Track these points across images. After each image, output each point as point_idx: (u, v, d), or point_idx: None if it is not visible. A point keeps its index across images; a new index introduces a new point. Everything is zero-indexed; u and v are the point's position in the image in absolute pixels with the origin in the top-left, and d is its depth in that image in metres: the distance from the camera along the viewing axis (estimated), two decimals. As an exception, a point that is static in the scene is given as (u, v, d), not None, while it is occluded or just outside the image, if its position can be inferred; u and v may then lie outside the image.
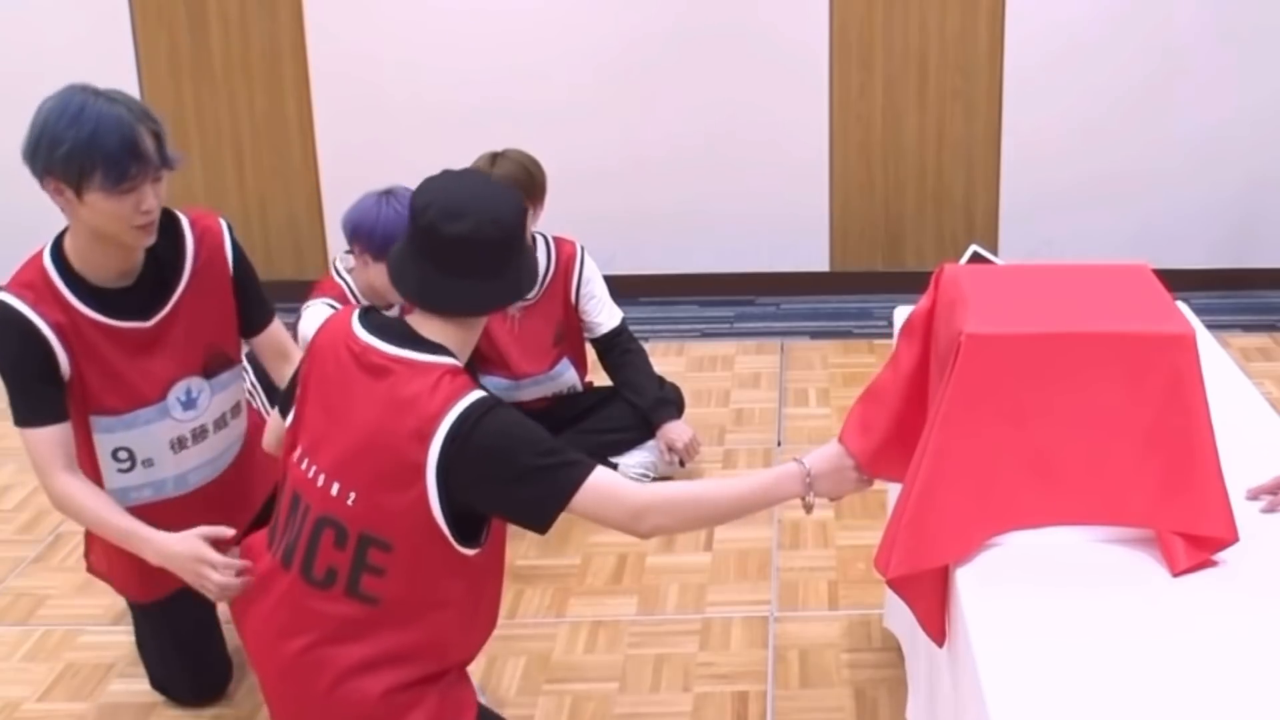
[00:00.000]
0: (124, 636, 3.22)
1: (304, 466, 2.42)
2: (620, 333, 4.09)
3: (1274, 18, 5.29)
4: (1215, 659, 1.90)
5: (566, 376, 4.03)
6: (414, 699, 2.38)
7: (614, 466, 4.00)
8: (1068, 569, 2.14)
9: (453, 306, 2.38)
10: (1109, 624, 1.99)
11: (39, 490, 4.04)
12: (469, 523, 2.35)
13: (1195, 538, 2.14)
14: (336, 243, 5.61)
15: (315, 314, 3.41)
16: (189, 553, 2.46)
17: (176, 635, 2.96)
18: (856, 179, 5.54)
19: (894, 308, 3.06)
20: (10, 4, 5.42)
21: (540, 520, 2.38)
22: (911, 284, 2.54)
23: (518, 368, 3.93)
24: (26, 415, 2.64)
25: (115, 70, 5.42)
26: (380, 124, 5.50)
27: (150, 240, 2.63)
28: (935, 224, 5.59)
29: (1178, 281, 2.83)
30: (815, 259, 5.62)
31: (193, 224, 2.76)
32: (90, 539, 2.92)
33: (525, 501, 2.34)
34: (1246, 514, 2.24)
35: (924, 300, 2.46)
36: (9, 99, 5.50)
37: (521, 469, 2.29)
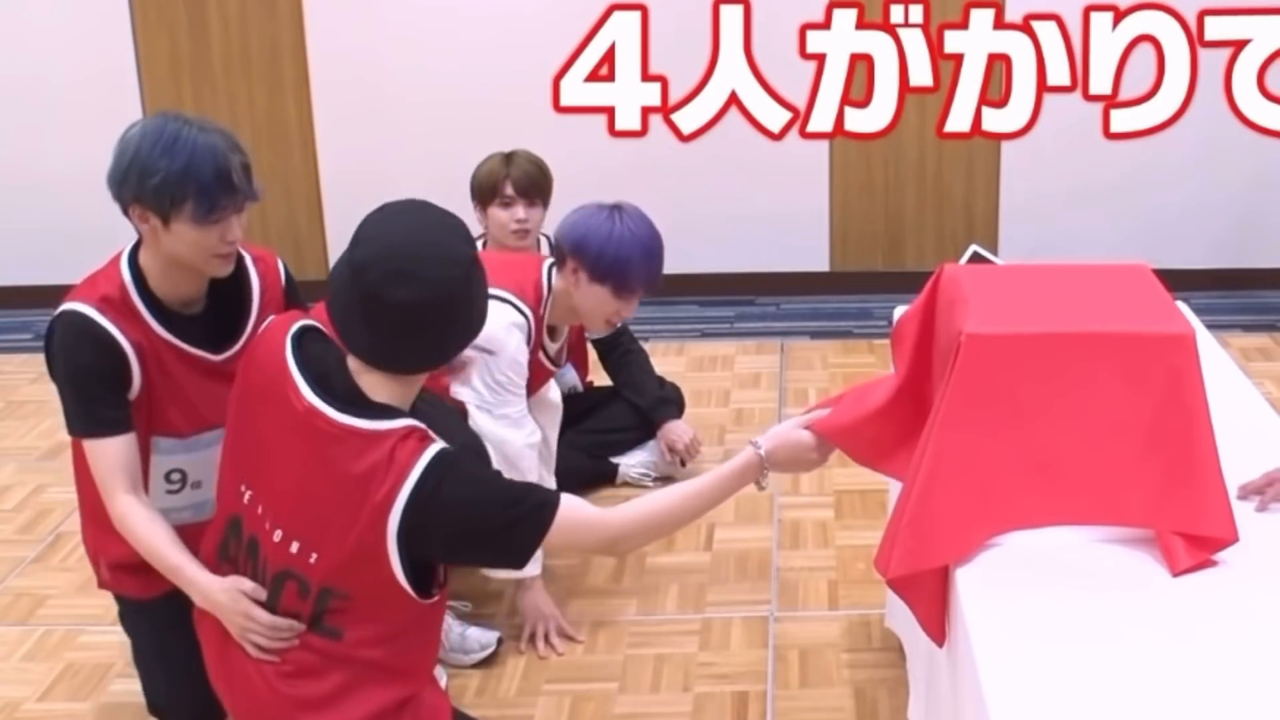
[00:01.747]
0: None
1: (259, 512, 2.38)
2: (622, 333, 4.06)
3: (1274, 17, 5.29)
4: (1215, 659, 1.90)
5: (568, 377, 4.01)
6: None
7: (615, 467, 4.01)
8: (1068, 569, 2.14)
9: (407, 366, 2.31)
10: (1109, 624, 1.99)
11: (39, 490, 4.06)
12: (428, 573, 2.35)
13: (1195, 538, 2.14)
14: (337, 243, 5.61)
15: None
16: (234, 606, 2.40)
17: (183, 634, 2.88)
18: (856, 179, 5.54)
19: (894, 308, 3.06)
20: (10, 4, 5.42)
21: (515, 565, 2.41)
22: (911, 284, 2.54)
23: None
24: (90, 425, 2.59)
25: (115, 70, 5.44)
26: (380, 124, 5.50)
27: (228, 270, 2.64)
28: (935, 224, 5.59)
29: (1178, 281, 2.83)
30: (815, 259, 5.62)
31: (255, 260, 2.76)
32: (94, 554, 2.88)
33: (498, 552, 2.40)
34: (1246, 514, 2.24)
35: (914, 304, 2.47)
36: (9, 99, 5.54)
37: (491, 525, 2.28)
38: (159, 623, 2.81)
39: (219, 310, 2.70)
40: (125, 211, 2.56)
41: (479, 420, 3.14)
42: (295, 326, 2.38)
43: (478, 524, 2.28)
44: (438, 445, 2.26)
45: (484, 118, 5.35)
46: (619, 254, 3.12)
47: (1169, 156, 5.42)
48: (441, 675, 3.06)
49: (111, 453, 2.58)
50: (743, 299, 5.58)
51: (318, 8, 5.41)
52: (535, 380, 3.34)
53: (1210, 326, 3.05)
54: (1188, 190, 5.45)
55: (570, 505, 2.33)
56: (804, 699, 3.03)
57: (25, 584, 3.59)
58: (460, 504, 2.24)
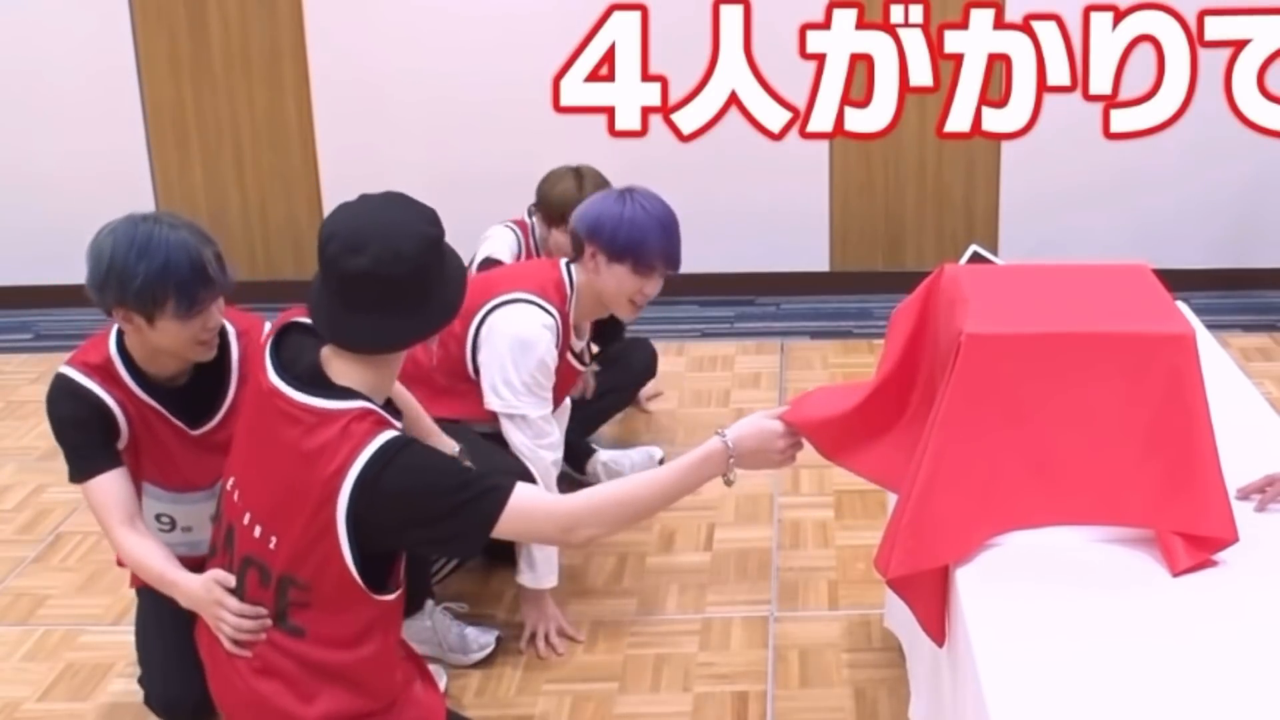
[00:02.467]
0: (124, 636, 3.21)
1: (235, 500, 2.43)
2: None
3: (1274, 17, 5.29)
4: (1215, 659, 1.91)
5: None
6: None
7: (593, 451, 3.99)
8: (1068, 569, 2.14)
9: (358, 343, 2.33)
10: (1109, 624, 1.99)
11: (39, 490, 4.06)
12: (380, 568, 2.35)
13: (1195, 538, 2.14)
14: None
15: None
16: (207, 596, 2.46)
17: (183, 619, 2.88)
18: (856, 179, 5.54)
19: (894, 308, 3.06)
20: (10, 4, 5.41)
21: (467, 552, 2.42)
22: (911, 284, 2.54)
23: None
24: (84, 468, 2.68)
25: (115, 70, 5.43)
26: (380, 124, 5.49)
27: (211, 354, 2.70)
28: (935, 224, 5.59)
29: (1178, 281, 2.83)
30: (815, 259, 5.62)
31: (240, 334, 2.80)
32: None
33: (449, 538, 2.36)
34: (1246, 514, 2.25)
35: (908, 302, 2.47)
36: (9, 99, 5.54)
37: (438, 508, 2.27)
38: (160, 606, 2.82)
39: (200, 384, 2.77)
40: (109, 313, 2.62)
41: (511, 435, 3.17)
42: (287, 321, 2.43)
43: (424, 507, 2.27)
44: (391, 431, 2.28)
45: (484, 118, 5.36)
46: (634, 230, 3.15)
47: (1169, 156, 5.42)
48: (441, 676, 3.06)
49: (104, 489, 2.66)
50: (743, 299, 5.58)
51: (318, 8, 5.40)
52: (564, 383, 3.36)
53: (1210, 326, 3.05)
54: (1187, 190, 5.45)
55: (524, 492, 2.31)
56: (804, 699, 3.03)
57: (25, 584, 3.59)
58: (407, 485, 2.24)
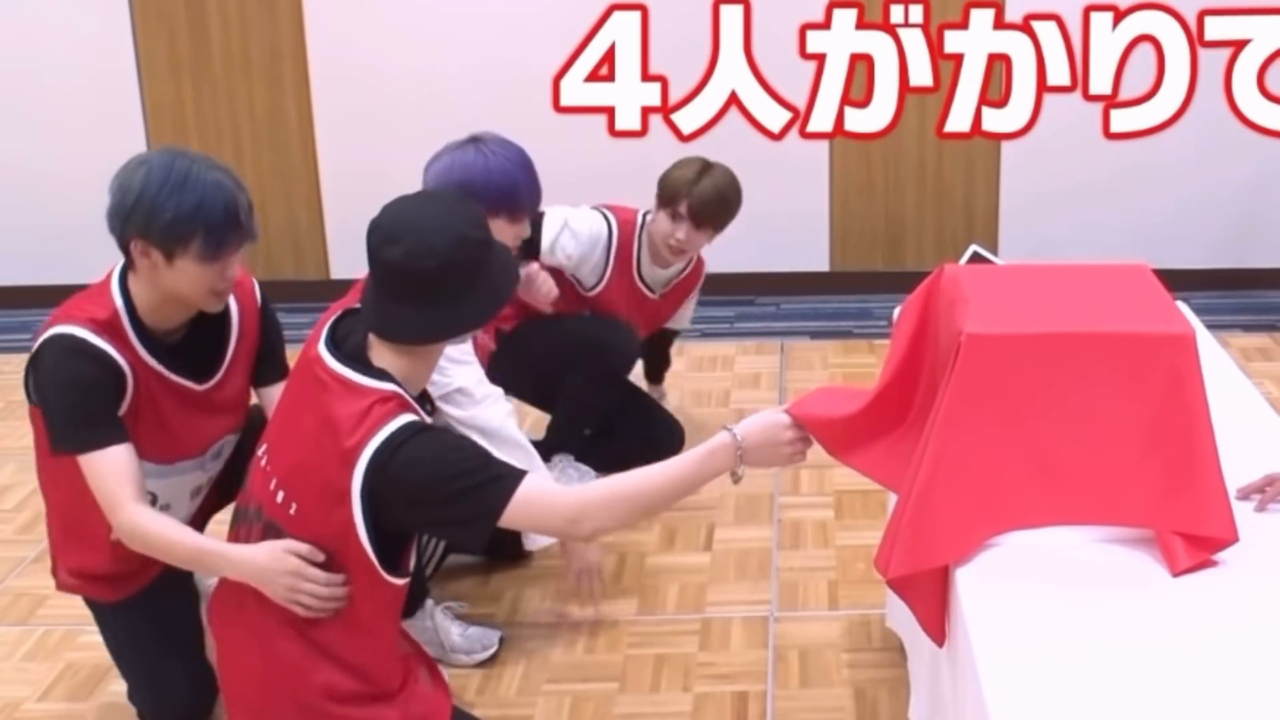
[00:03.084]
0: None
1: (265, 465, 2.45)
2: (676, 331, 4.40)
3: (1274, 17, 5.29)
4: (1215, 659, 1.91)
5: None
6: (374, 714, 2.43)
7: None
8: (1068, 569, 2.14)
9: (391, 332, 2.37)
10: (1109, 624, 1.99)
11: (39, 490, 4.05)
12: (395, 547, 2.38)
13: (1195, 538, 2.14)
14: (337, 243, 5.62)
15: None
16: (278, 566, 2.38)
17: (162, 629, 2.85)
18: (856, 179, 5.54)
19: (894, 308, 3.06)
20: (10, 4, 5.42)
21: (474, 539, 2.43)
22: (911, 284, 2.54)
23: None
24: (89, 438, 2.54)
25: (115, 70, 5.43)
26: (380, 124, 5.49)
27: (221, 306, 2.66)
28: (935, 224, 5.59)
29: (1178, 281, 2.83)
30: (815, 259, 5.62)
31: (235, 286, 2.75)
32: (54, 555, 2.86)
33: (456, 523, 2.37)
34: (1246, 514, 2.24)
35: (910, 302, 2.46)
36: (9, 99, 5.54)
37: (447, 492, 2.29)
38: (134, 621, 2.82)
39: (200, 339, 2.72)
40: (123, 245, 2.56)
41: (454, 414, 3.15)
42: (351, 305, 2.50)
43: (432, 490, 2.29)
44: (410, 415, 2.32)
45: (484, 117, 5.29)
46: (504, 180, 3.14)
47: (1169, 156, 5.42)
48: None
49: (115, 462, 2.54)
50: (743, 299, 5.58)
51: (318, 8, 5.40)
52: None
53: (1210, 326, 3.05)
54: (1187, 190, 5.45)
55: (532, 483, 2.33)
56: (804, 699, 3.03)
57: (25, 584, 3.59)
58: (418, 469, 2.27)
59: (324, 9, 5.41)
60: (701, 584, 3.50)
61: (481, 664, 3.17)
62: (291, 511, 2.38)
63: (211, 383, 2.71)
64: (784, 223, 5.56)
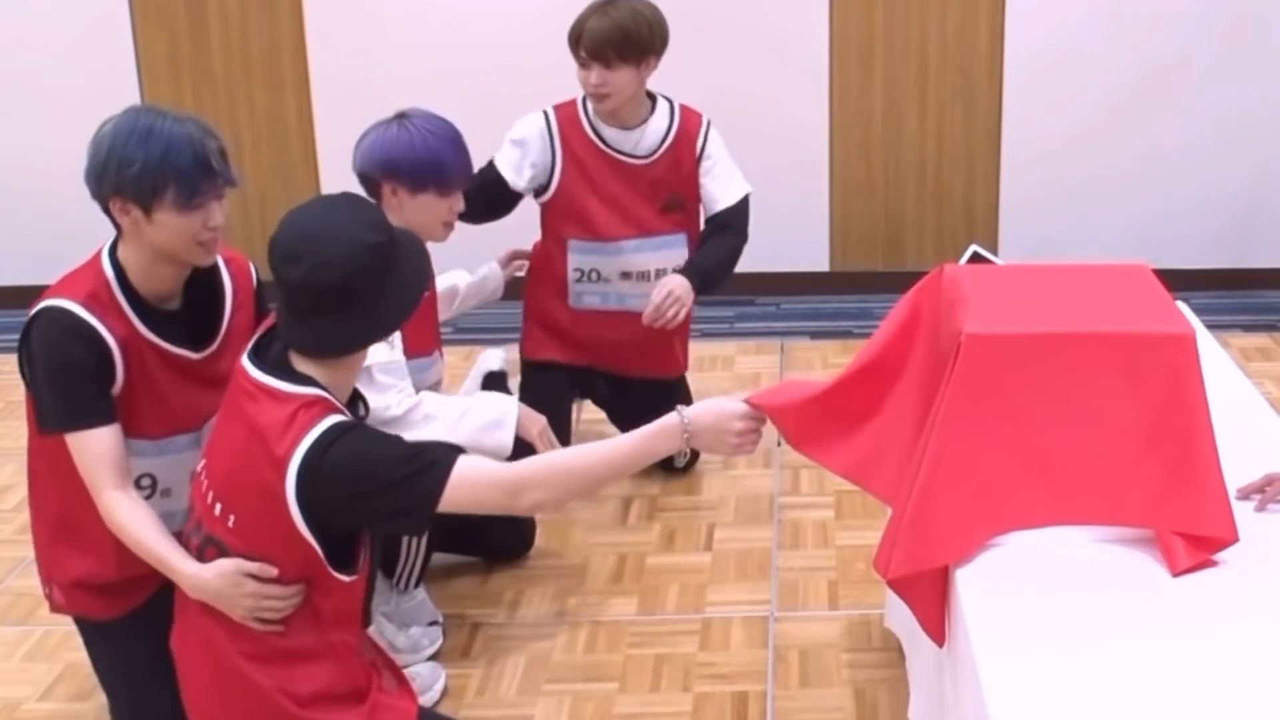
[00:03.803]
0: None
1: (201, 479, 2.45)
2: (734, 214, 3.92)
3: (1274, 15, 5.29)
4: (1215, 659, 1.91)
5: (675, 251, 3.86)
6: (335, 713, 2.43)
7: None
8: (1068, 569, 2.14)
9: (305, 347, 2.37)
10: (1109, 624, 1.99)
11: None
12: (344, 547, 2.38)
13: (1195, 538, 2.14)
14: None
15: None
16: (236, 591, 2.38)
17: (149, 651, 2.76)
18: (856, 179, 5.54)
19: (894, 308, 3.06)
20: (10, 4, 5.42)
21: (416, 527, 2.46)
22: (911, 284, 2.54)
23: (604, 230, 3.79)
24: (76, 417, 2.55)
25: (115, 69, 5.43)
26: (380, 123, 5.49)
27: (212, 258, 2.65)
28: (935, 224, 5.59)
29: (1178, 281, 2.83)
30: (815, 259, 5.62)
31: (228, 261, 2.77)
32: (47, 571, 2.86)
33: (394, 514, 2.37)
34: (1246, 514, 2.25)
35: (902, 302, 2.46)
36: (8, 98, 5.54)
37: (382, 484, 2.29)
38: (124, 641, 2.79)
39: (195, 307, 2.70)
40: (105, 207, 2.56)
41: (378, 400, 3.02)
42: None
43: (369, 482, 2.29)
44: (338, 415, 2.32)
45: (484, 117, 5.33)
46: (430, 155, 3.12)
47: (1169, 156, 5.43)
48: (440, 676, 3.06)
49: (100, 444, 2.54)
50: (743, 299, 5.58)
51: (318, 7, 5.40)
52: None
53: (1210, 326, 3.05)
54: (1188, 190, 5.45)
55: (467, 463, 2.34)
56: (804, 699, 3.03)
57: (25, 584, 3.58)
58: (351, 463, 2.27)
59: (324, 8, 5.41)
60: (701, 584, 3.50)
61: (481, 664, 3.17)
62: (230, 524, 2.38)
63: (209, 351, 2.69)
64: (784, 223, 5.56)
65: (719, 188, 3.89)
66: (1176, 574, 2.11)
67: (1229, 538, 2.14)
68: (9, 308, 5.60)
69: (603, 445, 2.41)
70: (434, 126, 3.16)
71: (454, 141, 3.20)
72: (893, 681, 3.04)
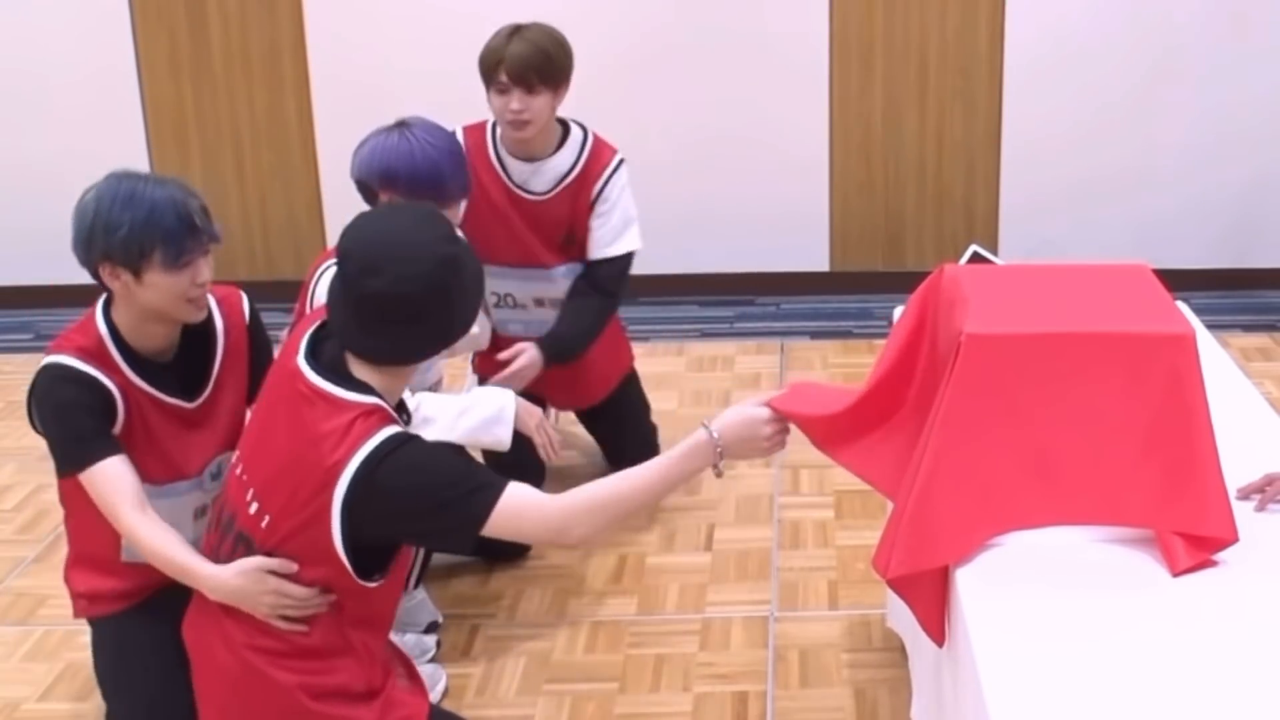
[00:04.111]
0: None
1: (240, 475, 2.45)
2: (610, 271, 3.74)
3: (1274, 15, 5.29)
4: (1215, 659, 1.91)
5: (563, 284, 3.74)
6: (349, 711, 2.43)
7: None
8: (1068, 569, 2.14)
9: (375, 355, 2.37)
10: (1109, 624, 1.99)
11: (39, 490, 4.06)
12: (373, 556, 2.38)
13: (1195, 538, 2.14)
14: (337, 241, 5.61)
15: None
16: (258, 588, 2.40)
17: (158, 644, 2.80)
18: (856, 179, 5.54)
19: (894, 308, 3.06)
20: (10, 4, 5.41)
21: (458, 548, 2.43)
22: (911, 284, 2.54)
23: (506, 257, 3.65)
24: (84, 454, 2.60)
25: (115, 69, 5.43)
26: (380, 123, 5.48)
27: (202, 314, 2.70)
28: (935, 224, 5.59)
29: (1178, 281, 2.82)
30: (815, 259, 5.62)
31: (220, 301, 2.80)
32: (70, 587, 2.88)
33: (440, 533, 2.42)
34: (1246, 514, 2.24)
35: (909, 304, 2.46)
36: (9, 98, 5.53)
37: (432, 503, 2.30)
38: (131, 633, 2.81)
39: (188, 357, 2.75)
40: (94, 274, 2.61)
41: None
42: (318, 321, 2.48)
43: (416, 501, 2.30)
44: (395, 427, 2.32)
45: (484, 117, 5.34)
46: (430, 168, 3.06)
47: (1169, 156, 5.43)
48: (440, 677, 3.06)
49: (111, 473, 2.59)
50: (743, 299, 5.58)
51: (318, 7, 5.40)
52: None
53: (1210, 326, 3.05)
54: (1187, 190, 5.45)
55: (515, 492, 2.33)
56: (804, 699, 3.03)
57: (25, 584, 3.59)
58: (402, 480, 2.28)
59: (324, 8, 5.40)
60: (701, 584, 3.50)
61: (481, 664, 3.17)
62: (264, 524, 2.38)
63: (201, 399, 2.74)
64: (784, 223, 5.57)
65: (606, 235, 3.73)
66: (1176, 574, 2.11)
67: (1229, 538, 2.14)
68: (9, 308, 5.61)
69: (639, 472, 2.39)
70: (434, 138, 3.13)
71: (453, 153, 3.16)
72: (893, 681, 3.04)
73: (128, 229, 2.52)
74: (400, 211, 2.51)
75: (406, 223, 2.40)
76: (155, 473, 2.69)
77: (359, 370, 2.37)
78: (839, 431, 2.41)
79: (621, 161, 3.74)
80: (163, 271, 2.56)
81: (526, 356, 3.57)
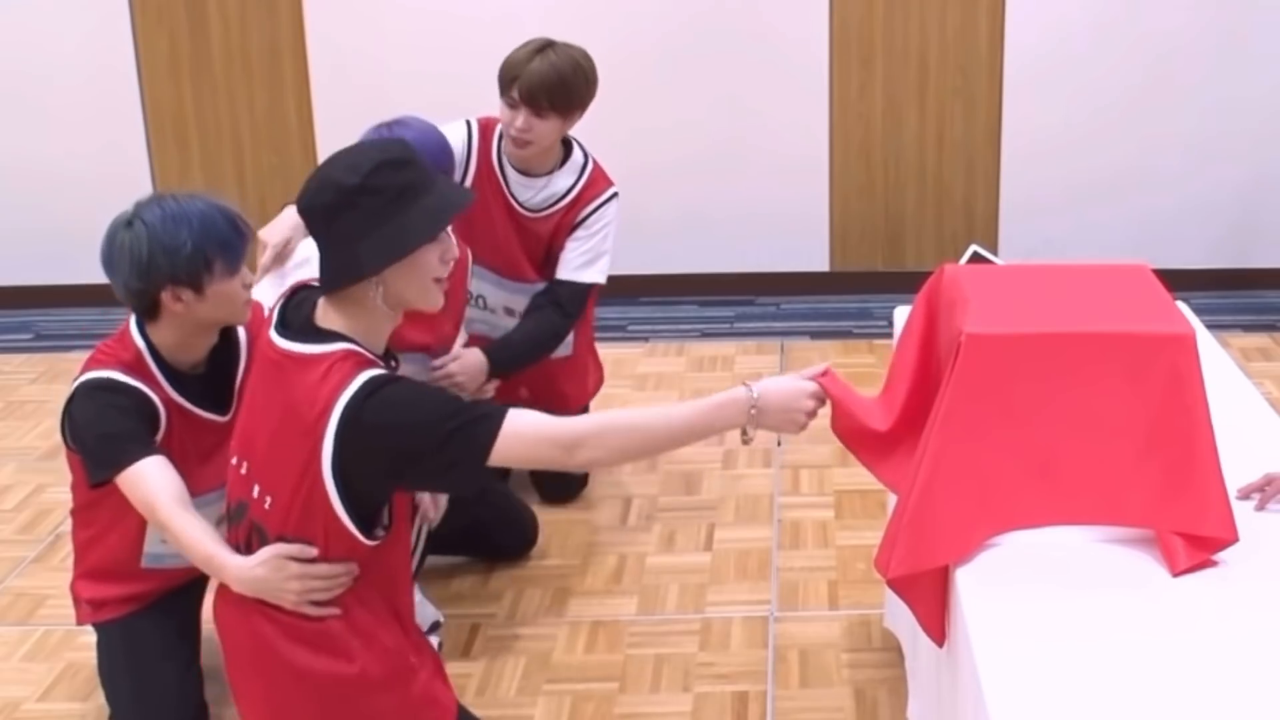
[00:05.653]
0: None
1: (241, 469, 2.42)
2: (572, 293, 3.66)
3: (1273, 15, 5.29)
4: (1215, 659, 1.91)
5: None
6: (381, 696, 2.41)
7: None
8: (1068, 569, 2.14)
9: (328, 283, 2.31)
10: (1109, 624, 1.99)
11: (39, 490, 4.06)
12: (371, 508, 2.32)
13: (1195, 538, 2.14)
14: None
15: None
16: (280, 575, 2.35)
17: (167, 643, 2.88)
18: (856, 179, 5.54)
19: (894, 308, 3.06)
20: (10, 4, 5.41)
21: (466, 484, 2.37)
22: (911, 284, 2.54)
23: (489, 260, 3.60)
24: (123, 455, 2.57)
25: (115, 70, 5.43)
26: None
27: (249, 314, 2.72)
28: (935, 224, 5.59)
29: (1178, 281, 2.83)
30: (815, 259, 5.62)
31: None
32: (75, 594, 2.90)
33: (443, 469, 2.26)
34: (1246, 514, 2.24)
35: (913, 308, 2.46)
36: (9, 98, 5.53)
37: (426, 438, 2.20)
38: (134, 640, 2.84)
39: (217, 368, 2.77)
40: (153, 301, 2.61)
41: None
42: (298, 285, 2.47)
43: (414, 435, 2.21)
44: (375, 369, 2.25)
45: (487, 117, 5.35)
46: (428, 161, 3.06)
47: (1169, 156, 5.43)
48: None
49: (154, 471, 2.56)
50: (743, 299, 5.58)
51: (318, 8, 5.40)
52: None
53: (1210, 326, 3.05)
54: (1187, 190, 5.45)
55: (519, 416, 2.23)
56: (804, 699, 3.03)
57: (25, 584, 3.59)
58: (392, 418, 2.20)
59: (324, 9, 5.40)
60: (701, 584, 3.50)
61: (481, 663, 3.17)
62: (267, 506, 2.34)
63: (231, 414, 2.74)
64: (784, 223, 5.57)
65: (575, 260, 3.66)
66: (1176, 574, 2.11)
67: (1229, 538, 2.14)
68: (9, 308, 5.60)
69: (663, 410, 2.30)
70: (424, 136, 3.13)
71: (444, 152, 3.19)
72: (893, 681, 3.04)
73: (190, 246, 2.55)
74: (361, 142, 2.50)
75: (358, 147, 2.43)
76: (196, 484, 2.67)
77: (327, 320, 2.31)
78: (868, 432, 2.39)
79: (615, 195, 3.71)
80: (224, 280, 2.60)
81: (470, 362, 3.41)
